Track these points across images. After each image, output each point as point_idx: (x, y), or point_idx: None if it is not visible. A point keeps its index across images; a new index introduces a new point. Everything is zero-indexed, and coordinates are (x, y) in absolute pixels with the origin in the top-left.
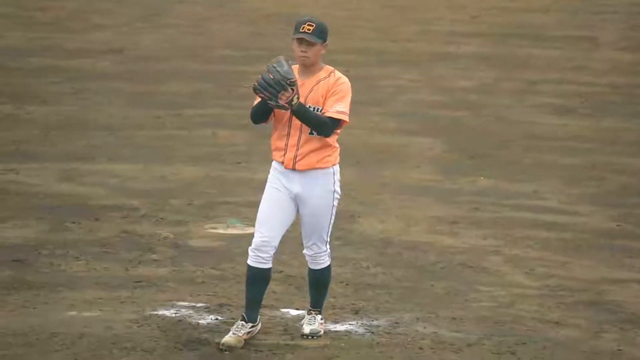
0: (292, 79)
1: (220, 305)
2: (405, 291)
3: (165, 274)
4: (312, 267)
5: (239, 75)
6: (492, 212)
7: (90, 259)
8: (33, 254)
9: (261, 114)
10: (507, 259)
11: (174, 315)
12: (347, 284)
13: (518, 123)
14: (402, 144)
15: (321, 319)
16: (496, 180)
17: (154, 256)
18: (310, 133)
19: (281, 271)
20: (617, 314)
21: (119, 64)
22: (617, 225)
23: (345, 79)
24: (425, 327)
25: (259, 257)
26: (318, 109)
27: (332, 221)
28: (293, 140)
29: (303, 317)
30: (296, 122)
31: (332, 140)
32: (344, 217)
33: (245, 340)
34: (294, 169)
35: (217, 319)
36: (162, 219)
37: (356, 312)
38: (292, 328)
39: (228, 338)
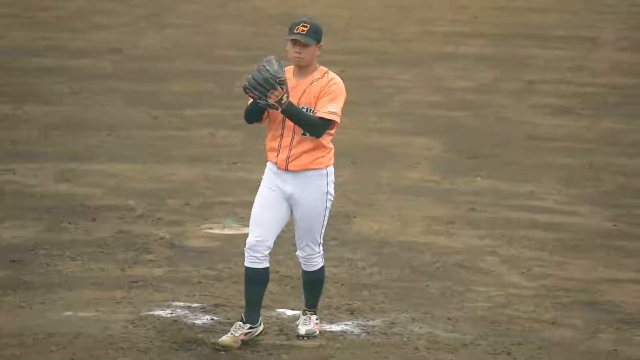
0: (282, 77)
1: (216, 306)
2: (401, 291)
3: (161, 274)
4: (305, 269)
5: (241, 76)
6: (489, 212)
7: (87, 259)
8: (30, 254)
9: (253, 114)
10: (504, 259)
11: (169, 315)
12: (342, 284)
13: (517, 123)
14: (399, 144)
15: (316, 319)
16: (494, 180)
17: (150, 256)
18: (303, 134)
19: (277, 271)
20: (613, 314)
21: (118, 64)
22: (614, 226)
23: (338, 79)
24: (421, 328)
25: (253, 257)
26: (310, 109)
27: (325, 223)
28: (286, 141)
29: (299, 318)
30: (290, 122)
31: (326, 141)
32: (340, 217)
33: (243, 340)
34: (287, 170)
35: (212, 319)
36: (158, 219)
37: (352, 313)
38: (287, 328)
39: (224, 337)
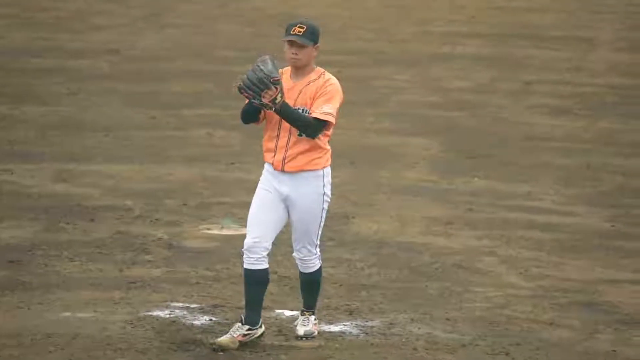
0: (276, 77)
1: (215, 306)
2: (399, 292)
3: (160, 274)
4: (302, 270)
5: (239, 76)
6: (487, 212)
7: (85, 260)
8: (27, 254)
9: (249, 115)
10: (502, 260)
11: (168, 316)
12: (341, 285)
13: (514, 123)
14: (397, 145)
15: (315, 319)
16: (492, 180)
17: (148, 257)
18: (300, 135)
19: (276, 272)
20: (611, 314)
21: (115, 64)
22: (612, 226)
23: (334, 80)
24: (419, 328)
25: (250, 258)
26: (306, 110)
27: (322, 224)
28: (282, 141)
29: (297, 318)
30: (286, 123)
31: (323, 142)
32: (338, 217)
33: (241, 342)
34: (283, 171)
35: (211, 319)
36: (156, 219)
37: (350, 313)
38: (286, 329)
39: (222, 337)
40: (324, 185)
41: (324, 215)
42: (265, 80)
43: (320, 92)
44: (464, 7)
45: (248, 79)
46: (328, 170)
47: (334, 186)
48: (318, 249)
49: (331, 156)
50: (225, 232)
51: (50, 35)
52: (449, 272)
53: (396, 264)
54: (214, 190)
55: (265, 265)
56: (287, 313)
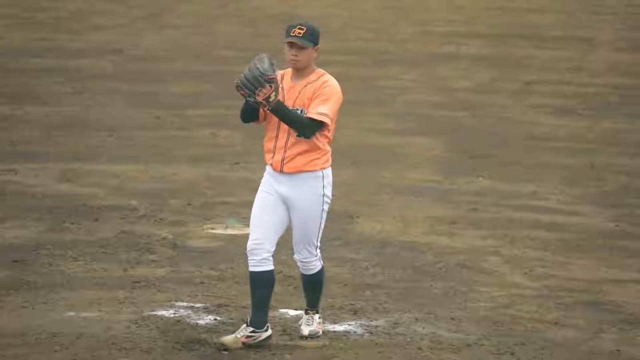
0: (270, 75)
1: (219, 306)
2: (404, 291)
3: (164, 274)
4: (304, 272)
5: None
6: (491, 212)
7: (89, 260)
8: (32, 254)
9: (247, 113)
10: (506, 260)
11: (172, 315)
12: (345, 285)
13: (517, 123)
14: (400, 145)
15: (319, 318)
16: (495, 180)
17: (153, 257)
18: (298, 135)
19: (280, 272)
20: (616, 314)
21: (119, 64)
22: (616, 226)
23: (333, 82)
24: (424, 328)
25: (253, 260)
26: (303, 111)
27: (322, 226)
28: (281, 142)
29: (301, 318)
30: (285, 124)
31: (322, 143)
32: (342, 217)
33: (244, 343)
34: (282, 172)
35: (215, 319)
36: (161, 219)
37: (355, 313)
38: (290, 328)
39: (227, 337)
40: (323, 187)
41: (324, 216)
42: (259, 78)
43: (318, 93)
44: (463, 7)
45: (245, 76)
46: (328, 171)
47: (337, 186)
48: (318, 251)
49: (331, 157)
50: (229, 231)
51: (49, 35)
52: (454, 271)
53: (400, 264)
54: (218, 190)
55: (268, 267)
56: (292, 312)
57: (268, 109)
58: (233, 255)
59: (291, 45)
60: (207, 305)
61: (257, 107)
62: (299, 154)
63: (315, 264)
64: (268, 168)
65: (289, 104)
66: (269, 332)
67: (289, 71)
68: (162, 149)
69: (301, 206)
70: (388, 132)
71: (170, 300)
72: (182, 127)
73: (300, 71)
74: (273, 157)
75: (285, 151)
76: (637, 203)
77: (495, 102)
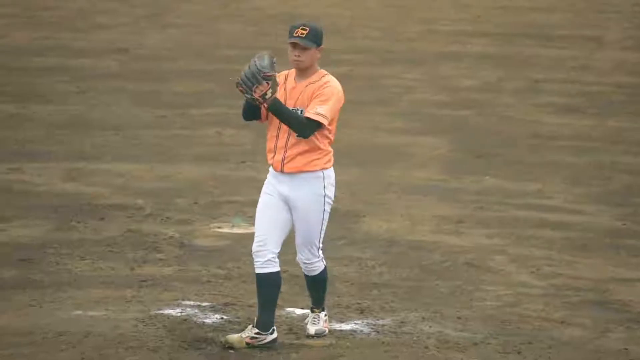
0: (268, 73)
1: (226, 305)
2: (410, 290)
3: (171, 273)
4: (307, 273)
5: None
6: (497, 211)
7: (96, 258)
8: (39, 253)
9: (248, 111)
10: (513, 258)
11: (179, 314)
12: (352, 283)
13: (523, 122)
14: (407, 144)
15: (325, 315)
16: (501, 179)
17: (160, 255)
18: (298, 136)
19: (286, 271)
20: (622, 313)
21: (123, 63)
22: (623, 225)
23: (333, 83)
24: (430, 327)
25: (258, 261)
26: (303, 110)
27: (324, 227)
28: (281, 142)
29: (307, 317)
30: None
31: (322, 143)
32: (349, 216)
33: (248, 344)
34: (282, 172)
35: (222, 318)
36: (167, 218)
37: (361, 312)
38: (297, 327)
39: (232, 335)
40: (324, 187)
41: (325, 217)
42: (257, 75)
43: (317, 93)
44: (469, 6)
45: (244, 73)
46: (329, 172)
47: (343, 185)
48: (321, 252)
49: (334, 158)
50: (236, 230)
51: (52, 34)
52: (460, 270)
53: (407, 263)
54: (224, 189)
55: (273, 269)
56: (298, 311)
57: (265, 107)
58: (240, 254)
59: (294, 45)
60: (214, 304)
61: (254, 104)
62: (300, 154)
63: (317, 265)
64: (270, 169)
65: (290, 103)
66: (274, 335)
67: (292, 71)
68: (168, 148)
69: (302, 207)
70: (394, 131)
71: (177, 299)
72: (187, 126)
73: (303, 72)
74: (274, 156)
75: (285, 151)
76: None
77: (500, 101)
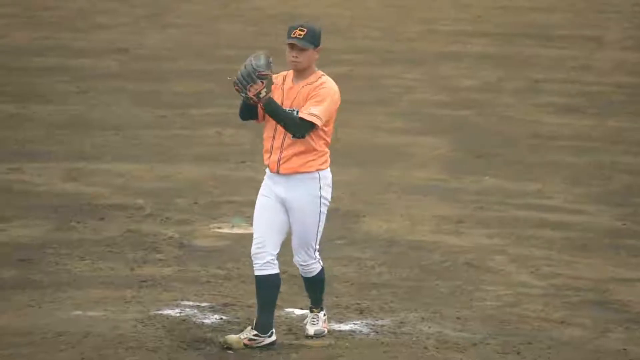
0: (262, 72)
1: (225, 305)
2: (410, 291)
3: (170, 273)
4: (304, 275)
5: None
6: (497, 211)
7: (96, 259)
8: (38, 253)
9: (245, 110)
10: (513, 258)
11: (178, 314)
12: (351, 284)
13: (523, 122)
14: (407, 144)
15: (324, 315)
16: (501, 179)
17: (159, 256)
18: (293, 137)
19: (285, 271)
20: (622, 313)
21: (123, 63)
22: (623, 225)
23: (329, 84)
24: (430, 327)
25: (257, 264)
26: (298, 111)
27: (321, 228)
28: (277, 142)
29: (307, 317)
30: None
31: (318, 144)
32: (349, 216)
33: (246, 345)
34: (278, 173)
35: (221, 318)
36: (167, 218)
37: (361, 312)
38: (296, 327)
39: (231, 336)
40: (320, 188)
41: (322, 219)
42: (252, 74)
43: (313, 94)
44: (469, 6)
45: (240, 72)
46: (325, 173)
47: (343, 185)
48: (317, 254)
49: (330, 158)
50: (235, 230)
51: (52, 34)
52: (460, 270)
53: (406, 263)
54: (223, 189)
55: (272, 271)
56: (297, 312)
57: (259, 106)
58: (239, 255)
59: (292, 46)
60: (213, 304)
61: (249, 103)
62: (295, 154)
63: (314, 267)
64: (267, 170)
65: (287, 104)
66: (273, 338)
67: (291, 72)
68: (168, 148)
69: (298, 208)
70: (394, 131)
71: (177, 300)
72: (186, 126)
73: (300, 72)
74: (270, 157)
75: (281, 151)
76: None
77: (500, 101)
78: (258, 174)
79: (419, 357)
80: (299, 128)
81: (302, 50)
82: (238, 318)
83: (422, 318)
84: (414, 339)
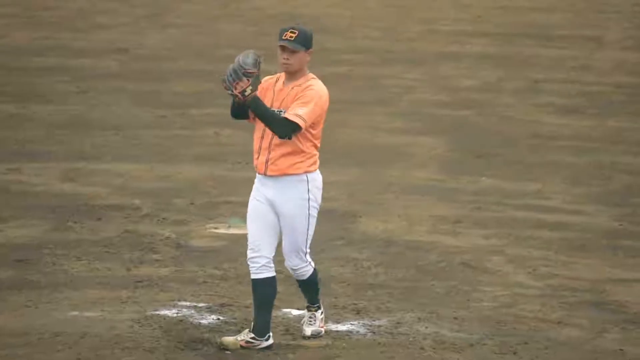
0: (249, 69)
1: (222, 305)
2: (406, 291)
3: (167, 273)
4: (296, 278)
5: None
6: (495, 211)
7: (92, 259)
8: (35, 253)
9: (235, 109)
10: (510, 259)
11: (175, 315)
12: (348, 284)
13: (522, 122)
14: (406, 144)
15: (321, 314)
16: (500, 179)
17: (156, 256)
18: (281, 137)
19: (282, 272)
20: (619, 313)
21: (123, 63)
22: (620, 225)
23: (317, 87)
24: (426, 327)
25: (253, 267)
26: (284, 111)
27: (311, 232)
28: (265, 142)
29: (304, 317)
30: None
31: (306, 146)
32: (346, 216)
33: (242, 347)
34: (265, 174)
35: (218, 318)
36: (164, 218)
37: (357, 312)
38: (293, 328)
39: (228, 337)
40: (308, 191)
41: (311, 222)
42: (238, 71)
43: (299, 95)
44: (469, 6)
45: (228, 70)
46: (313, 175)
47: (341, 185)
48: (308, 257)
49: (319, 161)
50: (232, 231)
51: (52, 34)
52: (457, 271)
53: (403, 263)
54: (221, 189)
55: (268, 274)
56: (294, 312)
57: (244, 104)
58: (236, 255)
59: (283, 49)
60: (210, 304)
61: (235, 100)
62: (283, 155)
63: (306, 270)
64: (257, 174)
65: (276, 105)
66: (270, 342)
67: (283, 74)
68: (167, 148)
69: (286, 211)
70: (394, 131)
71: (173, 300)
72: (185, 127)
73: (291, 75)
74: (258, 157)
75: (269, 152)
76: None
77: (500, 101)
78: (255, 174)
79: (416, 358)
80: (283, 128)
81: (293, 52)
82: (235, 318)
83: (419, 318)
84: (410, 339)
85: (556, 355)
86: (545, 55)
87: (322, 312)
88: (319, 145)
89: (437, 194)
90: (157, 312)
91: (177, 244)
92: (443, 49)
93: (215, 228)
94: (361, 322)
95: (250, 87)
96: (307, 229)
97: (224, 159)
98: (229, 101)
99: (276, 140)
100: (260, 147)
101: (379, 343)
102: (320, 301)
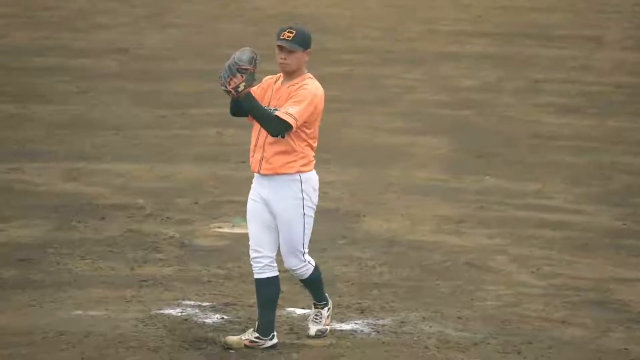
0: (243, 66)
1: (226, 305)
2: (410, 290)
3: (171, 273)
4: (298, 278)
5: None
6: (497, 211)
7: (96, 258)
8: (39, 253)
9: (234, 106)
10: (513, 258)
11: (179, 314)
12: (352, 283)
13: (523, 122)
14: (407, 144)
15: (327, 310)
16: (501, 179)
17: (160, 255)
18: (274, 136)
19: (286, 271)
20: (623, 313)
21: (123, 63)
22: (623, 224)
23: (312, 87)
24: (431, 327)
25: (256, 267)
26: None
27: (308, 232)
28: (261, 140)
29: (309, 316)
30: None
31: (299, 146)
32: (349, 216)
33: (247, 346)
34: (259, 172)
35: (222, 318)
36: (167, 218)
37: (362, 312)
38: (297, 327)
39: (232, 337)
40: (302, 190)
41: (307, 221)
42: (232, 67)
43: (293, 94)
44: (469, 6)
45: (224, 66)
46: (308, 175)
47: (344, 185)
48: (307, 256)
49: (314, 160)
50: (236, 230)
51: (52, 34)
52: (460, 270)
53: (407, 263)
54: (224, 189)
55: (271, 273)
56: (299, 311)
57: (237, 100)
58: (240, 254)
59: (281, 48)
60: (214, 304)
61: (229, 96)
62: (276, 154)
63: (305, 270)
64: (253, 173)
65: (273, 104)
66: (274, 341)
67: (281, 75)
68: (168, 148)
69: (280, 211)
70: (394, 131)
71: (178, 299)
72: (187, 126)
73: (289, 75)
74: (253, 155)
75: (263, 150)
76: None
77: (500, 101)
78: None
79: (420, 357)
80: (275, 126)
81: (290, 52)
82: (239, 317)
83: (423, 318)
84: (415, 338)
85: (560, 354)
86: (545, 55)
87: (328, 309)
88: (314, 145)
89: (439, 194)
90: (161, 312)
91: (181, 243)
92: (443, 49)
93: (219, 227)
94: (365, 321)
95: (244, 84)
96: (303, 229)
97: (226, 158)
98: (229, 100)
99: (270, 138)
100: (255, 145)
101: (383, 342)
102: (328, 297)
